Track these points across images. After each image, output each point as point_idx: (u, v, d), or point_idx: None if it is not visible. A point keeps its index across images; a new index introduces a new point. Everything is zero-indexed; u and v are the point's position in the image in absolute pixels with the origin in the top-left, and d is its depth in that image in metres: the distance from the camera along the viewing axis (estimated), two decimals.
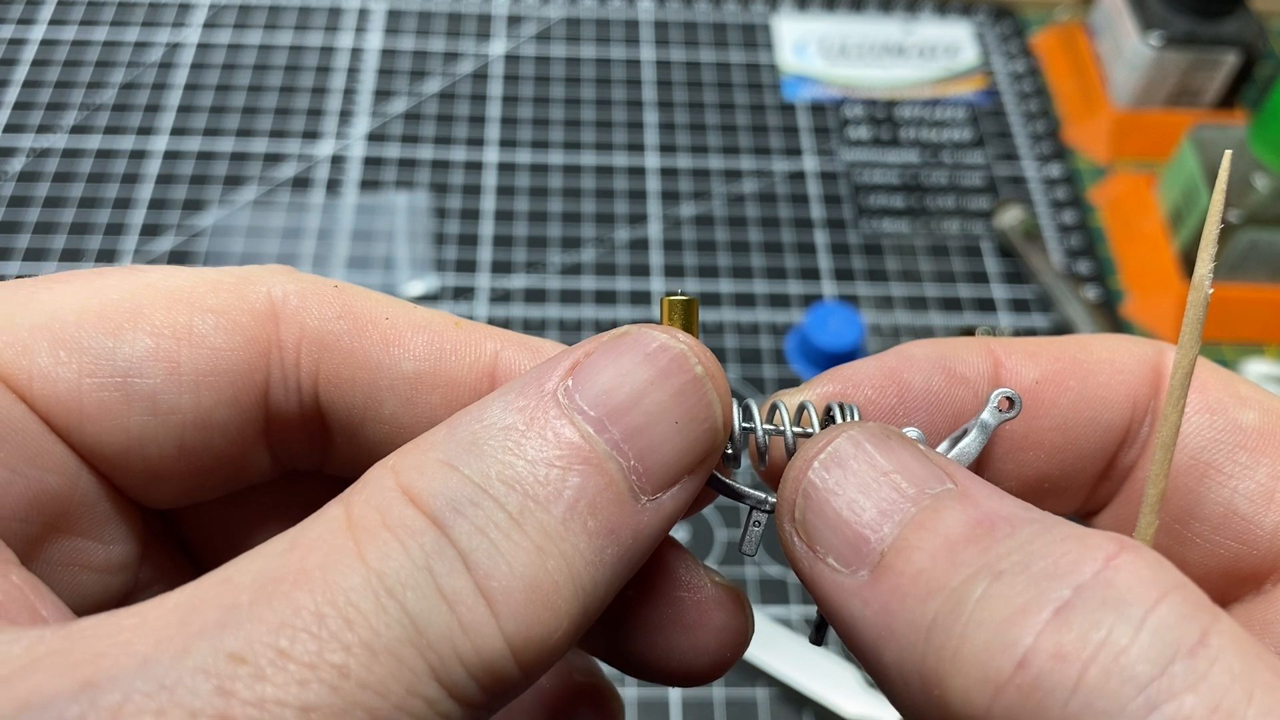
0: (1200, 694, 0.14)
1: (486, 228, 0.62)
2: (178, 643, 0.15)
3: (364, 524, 0.16)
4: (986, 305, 0.61)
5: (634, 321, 0.59)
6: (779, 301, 0.60)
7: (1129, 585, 0.15)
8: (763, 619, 0.47)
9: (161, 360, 0.20)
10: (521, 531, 0.17)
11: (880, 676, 0.17)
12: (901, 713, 0.18)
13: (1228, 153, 0.19)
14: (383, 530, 0.16)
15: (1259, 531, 0.20)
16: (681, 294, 0.22)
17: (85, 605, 0.20)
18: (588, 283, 0.60)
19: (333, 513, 0.17)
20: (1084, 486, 0.23)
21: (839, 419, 0.21)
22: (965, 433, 0.21)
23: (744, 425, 0.21)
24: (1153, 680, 0.14)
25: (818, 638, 0.22)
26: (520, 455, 0.17)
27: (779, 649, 0.46)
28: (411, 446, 0.18)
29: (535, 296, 0.59)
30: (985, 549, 0.16)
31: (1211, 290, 0.19)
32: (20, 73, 0.68)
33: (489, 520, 0.17)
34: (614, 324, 0.58)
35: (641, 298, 0.60)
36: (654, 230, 0.63)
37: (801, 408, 0.21)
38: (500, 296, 0.59)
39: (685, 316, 0.21)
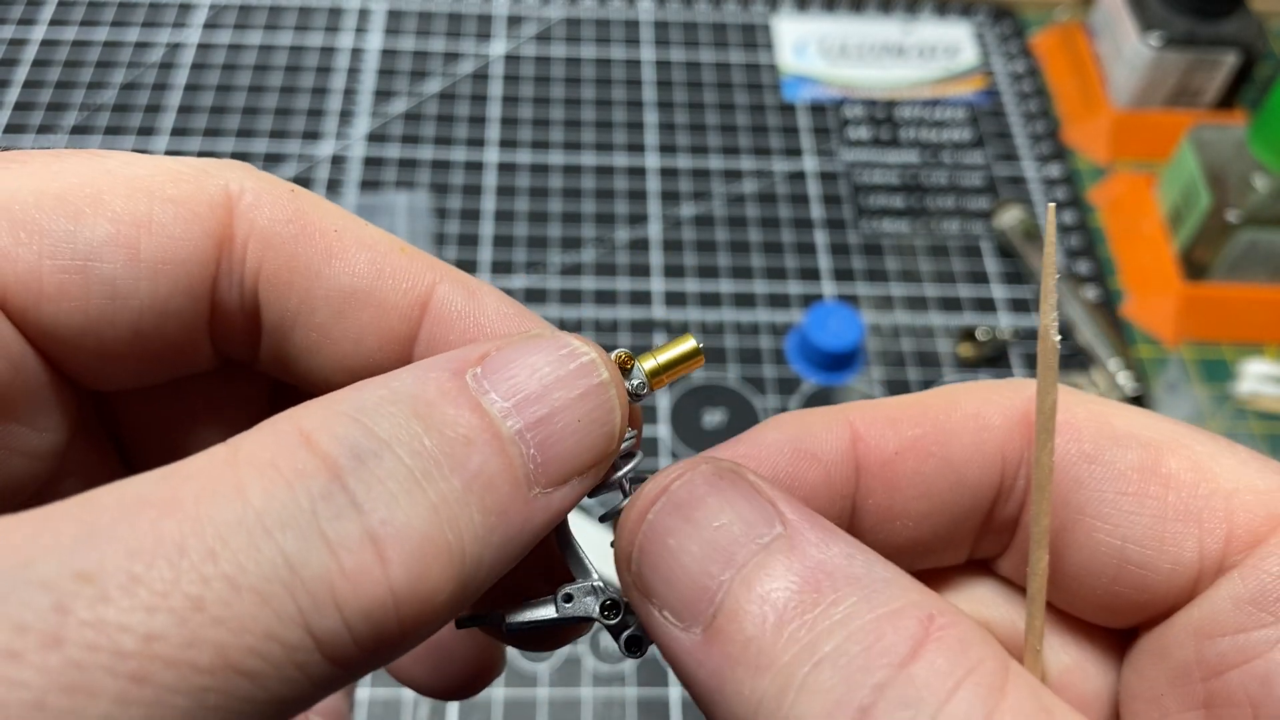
0: None
1: (487, 228, 0.62)
2: (23, 553, 0.14)
3: (251, 460, 0.16)
4: (986, 305, 0.61)
5: (634, 321, 0.59)
6: (779, 301, 0.60)
7: (925, 680, 0.16)
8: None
9: (121, 246, 0.20)
10: (422, 490, 0.17)
11: None
12: None
13: (1051, 205, 0.19)
14: (270, 469, 0.16)
15: (1153, 576, 0.20)
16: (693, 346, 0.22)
17: (9, 488, 0.20)
18: (588, 283, 0.60)
19: (218, 450, 0.16)
20: (962, 543, 0.23)
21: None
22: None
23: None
24: None
25: (635, 653, 0.21)
26: (429, 423, 0.17)
27: None
28: (316, 402, 0.18)
29: (535, 297, 0.59)
30: (808, 623, 0.17)
31: (1059, 338, 0.19)
32: (21, 73, 0.68)
33: (390, 473, 0.17)
34: (614, 324, 0.58)
35: (642, 298, 0.60)
36: (654, 230, 0.63)
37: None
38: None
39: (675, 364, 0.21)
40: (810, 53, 0.74)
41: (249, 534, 0.15)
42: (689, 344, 0.21)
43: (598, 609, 0.20)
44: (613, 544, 0.20)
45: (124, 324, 0.20)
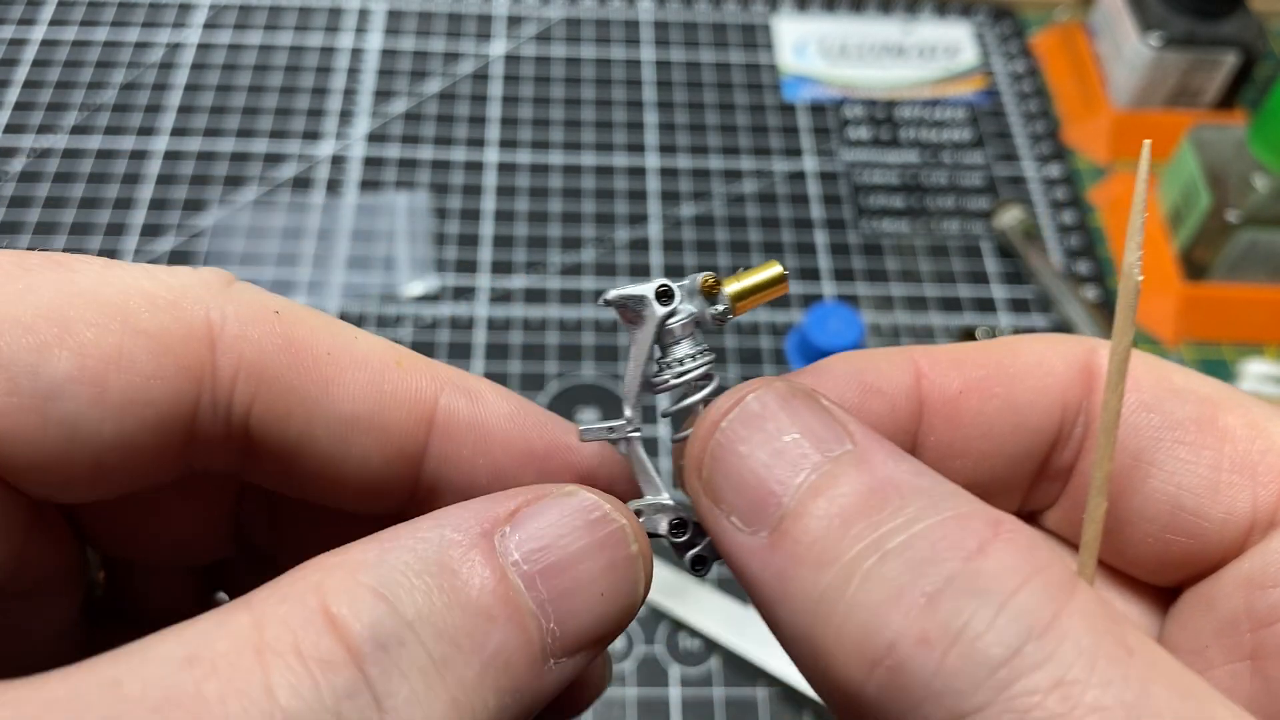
0: (1046, 670, 0.15)
1: (487, 228, 0.62)
2: None
3: (276, 648, 0.15)
4: (986, 305, 0.61)
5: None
6: (779, 301, 0.60)
7: (994, 573, 0.16)
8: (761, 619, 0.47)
9: (87, 384, 0.18)
10: (442, 682, 0.16)
11: (777, 635, 0.19)
12: (800, 670, 0.19)
13: (1147, 142, 0.19)
14: (296, 660, 0.15)
15: (1206, 524, 0.21)
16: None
17: None
18: (588, 283, 0.60)
19: (241, 622, 0.16)
20: (1017, 489, 0.23)
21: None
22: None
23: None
24: (1005, 662, 0.15)
25: (700, 570, 0.21)
26: (453, 597, 0.17)
27: (779, 648, 0.46)
28: (339, 564, 0.17)
29: (535, 297, 0.59)
30: (875, 523, 0.17)
31: (1141, 278, 0.19)
32: (21, 73, 0.68)
33: (413, 664, 0.16)
34: (614, 324, 0.58)
35: None
36: (654, 230, 0.63)
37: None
38: (500, 296, 0.59)
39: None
40: (810, 53, 0.74)
41: None
42: (774, 269, 0.21)
43: (666, 526, 0.20)
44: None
45: (83, 460, 0.19)
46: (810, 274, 0.61)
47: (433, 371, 0.22)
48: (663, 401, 0.19)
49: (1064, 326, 0.59)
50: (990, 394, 0.22)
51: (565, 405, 0.55)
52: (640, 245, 0.62)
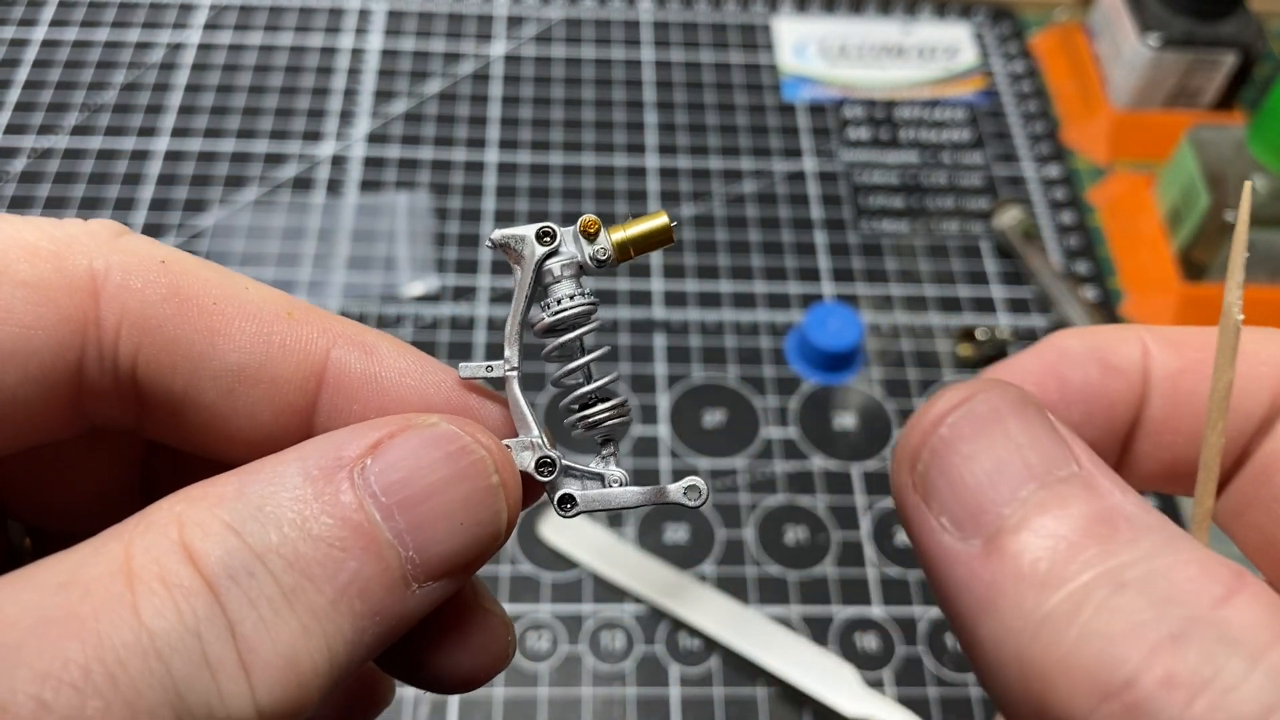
0: None
1: (488, 228, 0.63)
2: None
3: (142, 575, 0.17)
4: (985, 305, 0.61)
5: (633, 321, 0.59)
6: (778, 301, 0.60)
7: (1245, 626, 0.15)
8: (762, 618, 0.47)
9: None
10: (291, 610, 0.17)
11: (968, 642, 0.18)
12: (979, 677, 0.18)
13: (1248, 184, 0.19)
14: (160, 586, 0.16)
15: None
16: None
17: None
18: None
19: (112, 551, 0.17)
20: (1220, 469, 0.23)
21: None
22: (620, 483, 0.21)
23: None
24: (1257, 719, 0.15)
25: (567, 509, 0.21)
26: (303, 530, 0.18)
27: (778, 648, 0.46)
28: (200, 496, 0.18)
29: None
30: (1108, 552, 0.17)
31: (1241, 317, 0.19)
32: (22, 73, 0.68)
33: (261, 593, 0.17)
34: (615, 324, 0.58)
35: (642, 298, 0.60)
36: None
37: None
38: (501, 297, 0.59)
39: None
40: (810, 53, 0.74)
41: (144, 657, 0.16)
42: (661, 219, 0.21)
43: (532, 464, 0.20)
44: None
45: None
46: (810, 274, 0.62)
47: (325, 324, 0.21)
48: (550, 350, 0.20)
49: (1063, 326, 0.59)
50: (1207, 376, 0.22)
51: None
52: None
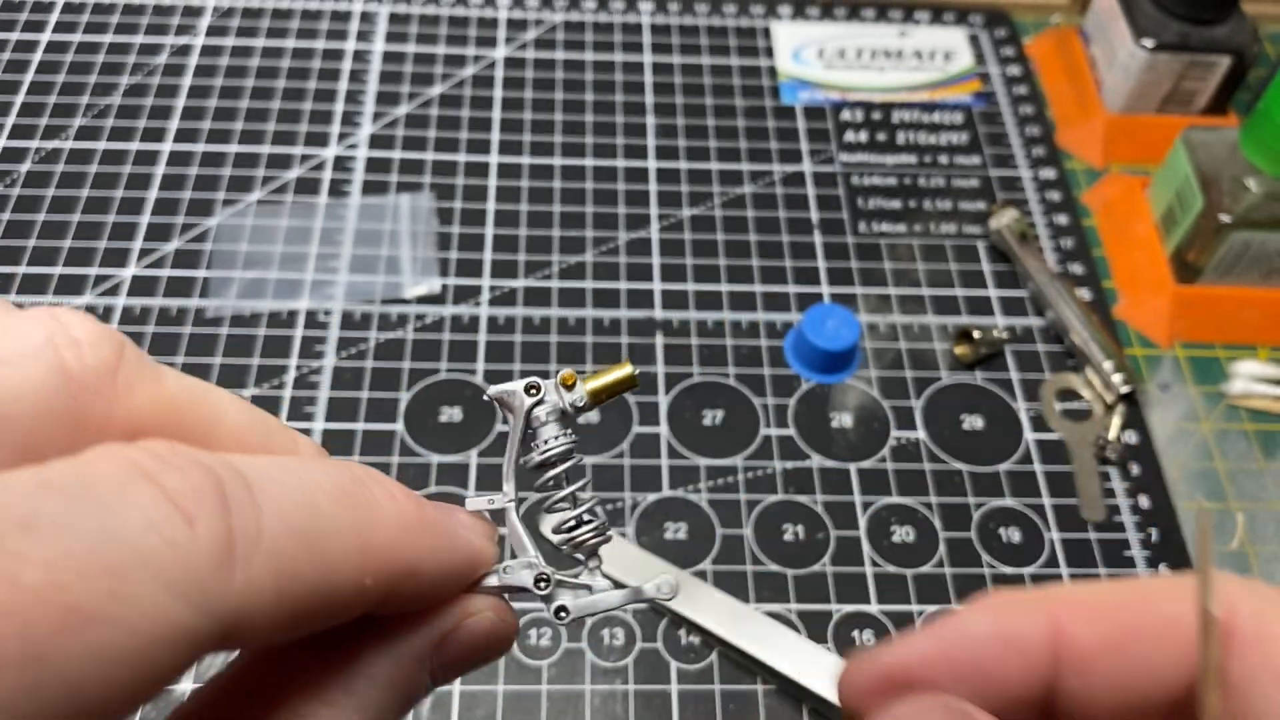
0: None
1: (489, 230, 0.63)
2: None
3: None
4: (981, 306, 0.62)
5: (633, 322, 0.59)
6: (777, 302, 0.61)
7: None
8: (761, 615, 0.48)
9: None
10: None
11: None
12: None
13: (1205, 522, 0.19)
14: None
15: None
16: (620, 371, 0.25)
17: None
18: (589, 284, 0.61)
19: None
20: None
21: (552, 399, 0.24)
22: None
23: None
24: None
25: (563, 618, 0.24)
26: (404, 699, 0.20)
27: (777, 644, 0.47)
28: (325, 694, 0.19)
29: (538, 298, 0.60)
30: None
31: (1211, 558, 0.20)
32: (27, 77, 0.69)
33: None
34: (616, 324, 0.59)
35: (642, 298, 0.60)
36: (654, 232, 0.64)
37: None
38: (502, 297, 0.60)
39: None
40: (808, 57, 0.74)
41: None
42: (626, 370, 0.25)
43: (531, 581, 0.23)
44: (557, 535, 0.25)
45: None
46: (808, 275, 0.62)
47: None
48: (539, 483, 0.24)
49: (1059, 326, 0.59)
50: (1124, 652, 0.22)
51: None
52: (641, 247, 0.63)
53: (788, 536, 0.52)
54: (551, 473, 0.24)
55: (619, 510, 0.52)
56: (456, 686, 0.46)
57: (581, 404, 0.24)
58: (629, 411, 0.55)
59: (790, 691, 0.47)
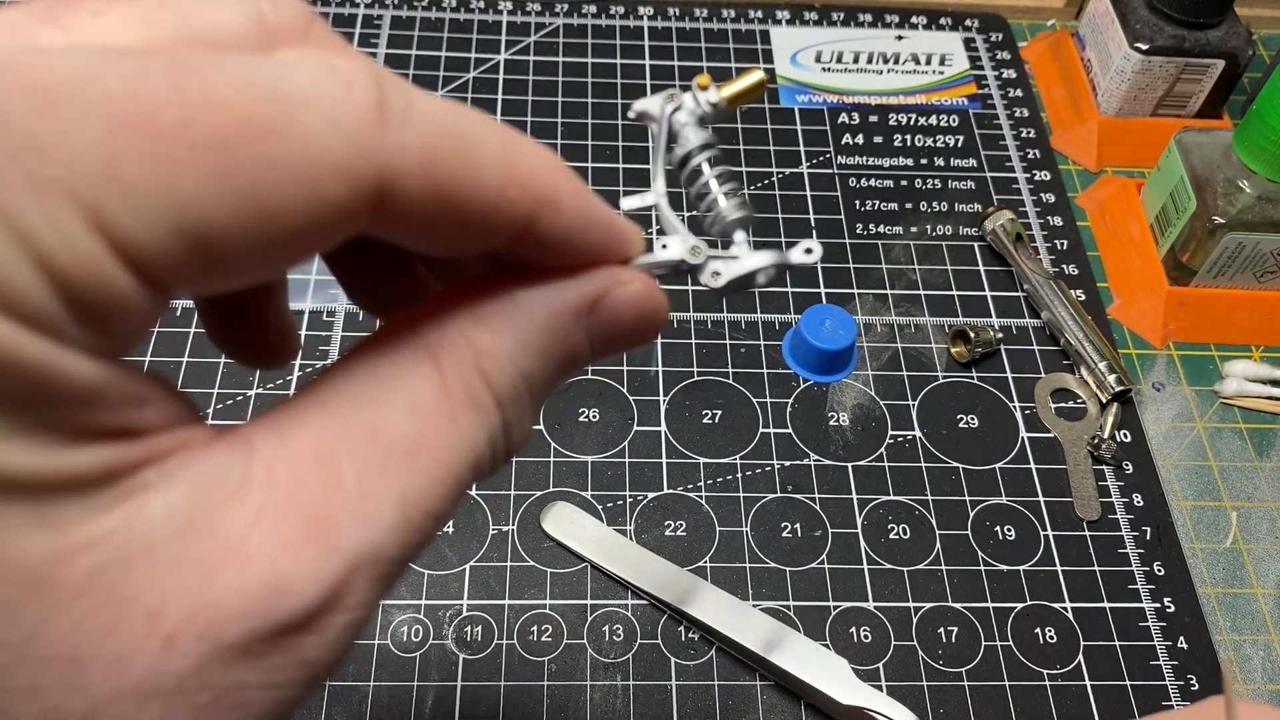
0: None
1: None
2: None
3: (456, 396, 0.19)
4: (977, 306, 0.62)
5: None
6: (775, 302, 0.61)
7: None
8: (759, 612, 0.48)
9: None
10: (531, 416, 0.22)
11: None
12: None
13: (1228, 694, 0.19)
14: (469, 409, 0.19)
15: None
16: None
17: None
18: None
19: (427, 372, 0.19)
20: None
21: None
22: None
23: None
24: None
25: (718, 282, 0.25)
26: (546, 367, 0.21)
27: (775, 641, 0.47)
28: (480, 321, 0.20)
29: None
30: None
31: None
32: None
33: (519, 412, 0.20)
34: None
35: None
36: (655, 233, 0.64)
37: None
38: None
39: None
40: (806, 61, 0.75)
41: (472, 469, 0.20)
42: (757, 75, 0.27)
43: (686, 250, 0.24)
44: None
45: None
46: (806, 276, 0.63)
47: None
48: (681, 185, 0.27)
49: (1054, 327, 0.60)
50: None
51: (568, 402, 0.56)
52: None
53: (786, 534, 0.52)
54: (693, 162, 0.26)
55: (620, 508, 0.52)
56: (459, 682, 0.46)
57: (716, 102, 0.26)
58: (630, 410, 0.56)
59: (788, 688, 0.47)
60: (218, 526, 0.15)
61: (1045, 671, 0.49)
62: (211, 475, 0.15)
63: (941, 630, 0.49)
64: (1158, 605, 0.51)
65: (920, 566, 0.52)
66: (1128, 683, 0.48)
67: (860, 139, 0.71)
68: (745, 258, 0.25)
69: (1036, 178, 0.69)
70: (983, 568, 0.52)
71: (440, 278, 0.26)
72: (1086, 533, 0.53)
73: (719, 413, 0.56)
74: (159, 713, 0.14)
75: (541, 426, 0.54)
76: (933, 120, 0.72)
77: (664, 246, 0.24)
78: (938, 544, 0.52)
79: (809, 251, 0.25)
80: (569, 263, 0.21)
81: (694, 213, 0.26)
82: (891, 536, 0.52)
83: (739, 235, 0.25)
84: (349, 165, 0.15)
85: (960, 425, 0.57)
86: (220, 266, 0.15)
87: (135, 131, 0.14)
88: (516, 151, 0.19)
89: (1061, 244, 0.66)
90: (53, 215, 0.13)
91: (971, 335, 0.59)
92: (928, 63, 0.76)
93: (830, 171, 0.69)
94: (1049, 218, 0.67)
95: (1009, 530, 0.53)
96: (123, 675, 0.14)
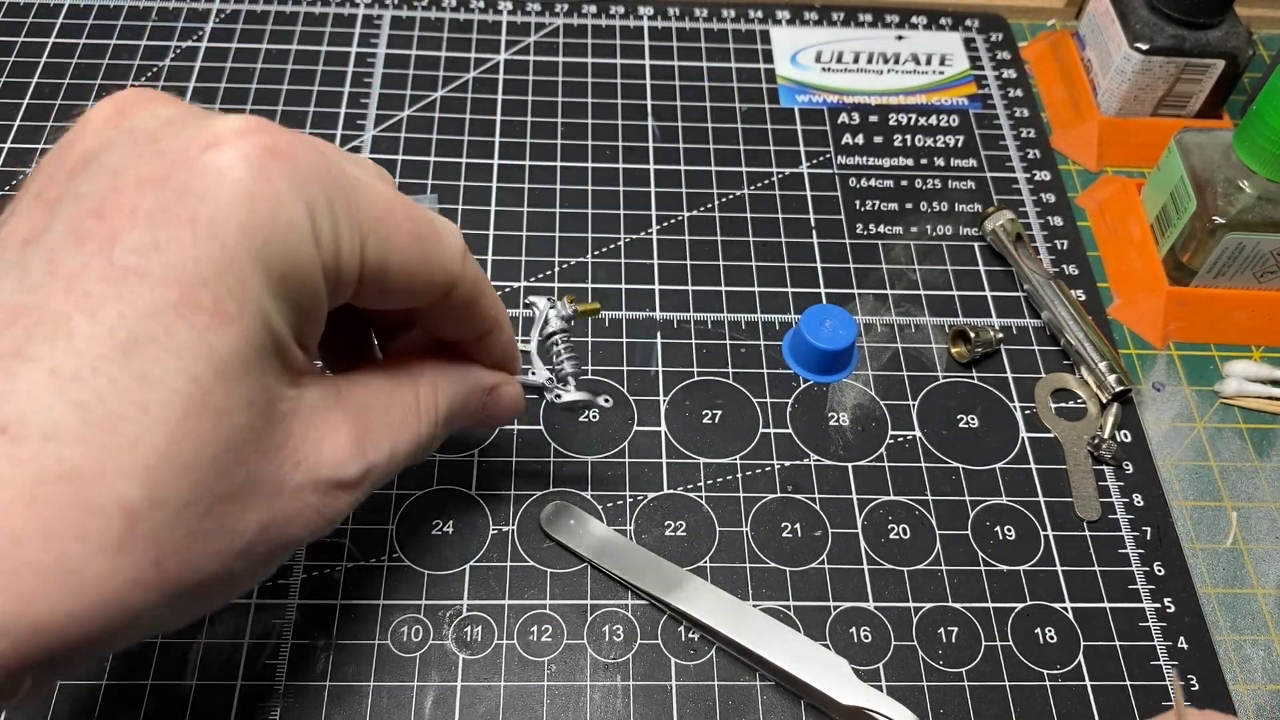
0: None
1: (491, 231, 0.64)
2: None
3: (426, 411, 0.37)
4: (977, 307, 0.62)
5: (634, 321, 0.60)
6: (775, 302, 0.61)
7: None
8: (759, 612, 0.48)
9: None
10: (447, 428, 0.40)
11: None
12: None
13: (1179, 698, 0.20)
14: (429, 420, 0.38)
15: None
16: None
17: None
18: (590, 284, 0.61)
19: (408, 394, 0.36)
20: None
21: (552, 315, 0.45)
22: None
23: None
24: None
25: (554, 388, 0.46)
26: (467, 413, 0.41)
27: (775, 641, 0.47)
28: (444, 375, 0.40)
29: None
30: None
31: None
32: (29, 86, 0.70)
33: (447, 423, 0.39)
34: (619, 325, 0.60)
35: (642, 298, 0.61)
36: (655, 233, 0.64)
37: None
38: (504, 298, 0.61)
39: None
40: (806, 61, 0.75)
41: (424, 448, 0.38)
42: (594, 306, 0.46)
43: (544, 380, 0.45)
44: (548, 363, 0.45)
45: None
46: (806, 276, 0.63)
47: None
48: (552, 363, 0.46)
49: (1054, 327, 0.60)
50: None
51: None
52: (641, 248, 0.63)
53: (786, 534, 0.52)
54: (554, 337, 0.45)
55: (620, 508, 0.52)
56: (459, 682, 0.46)
57: (570, 314, 0.45)
58: (630, 410, 0.56)
59: (788, 688, 0.47)
60: (327, 418, 0.30)
61: (1045, 671, 0.49)
62: (324, 392, 0.31)
63: (941, 630, 0.50)
64: (1158, 605, 0.51)
65: (920, 566, 0.52)
66: (1128, 683, 0.48)
67: (860, 139, 0.71)
68: (573, 394, 0.45)
69: (1036, 178, 0.69)
70: (983, 568, 0.52)
71: (384, 344, 0.41)
72: (1086, 533, 0.53)
73: (719, 413, 0.56)
74: (294, 501, 0.29)
75: (541, 427, 0.54)
76: (933, 120, 0.72)
77: (533, 374, 0.44)
78: (938, 544, 0.52)
79: (607, 400, 0.50)
80: (482, 331, 0.38)
81: (550, 364, 0.45)
82: (892, 537, 0.52)
83: (571, 382, 0.45)
84: (451, 269, 0.33)
85: (960, 425, 0.57)
86: (382, 292, 0.32)
87: (393, 217, 0.31)
88: (488, 287, 0.37)
89: (1061, 244, 0.66)
90: (355, 249, 0.29)
91: (971, 335, 0.59)
92: (928, 63, 0.76)
93: (830, 171, 0.69)
94: (1049, 218, 0.67)
95: (1009, 530, 0.53)
96: (294, 472, 0.29)
